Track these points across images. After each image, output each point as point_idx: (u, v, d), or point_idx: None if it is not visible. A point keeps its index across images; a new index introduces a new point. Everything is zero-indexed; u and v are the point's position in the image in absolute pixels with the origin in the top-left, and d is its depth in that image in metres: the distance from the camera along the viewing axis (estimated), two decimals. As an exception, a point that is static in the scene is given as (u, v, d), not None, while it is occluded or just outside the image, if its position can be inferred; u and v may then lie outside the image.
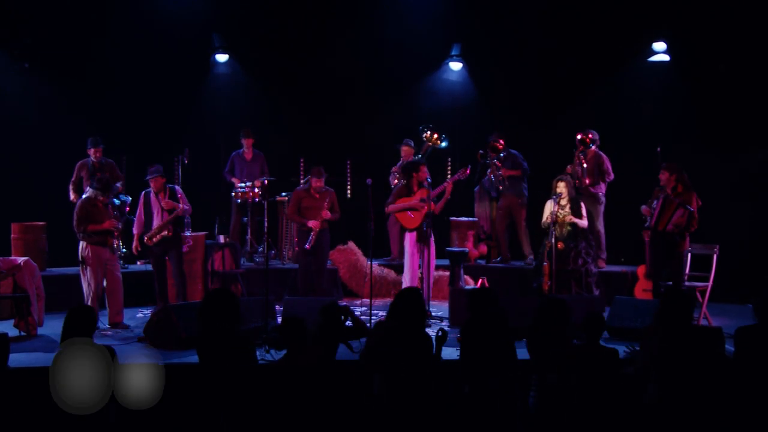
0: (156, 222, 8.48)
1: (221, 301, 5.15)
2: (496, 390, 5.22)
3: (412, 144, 10.52)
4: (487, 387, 5.22)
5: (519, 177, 10.18)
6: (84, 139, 9.91)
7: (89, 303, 7.97)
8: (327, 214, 8.80)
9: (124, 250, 8.70)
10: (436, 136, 10.20)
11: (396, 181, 10.42)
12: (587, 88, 11.12)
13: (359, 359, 5.42)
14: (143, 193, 8.63)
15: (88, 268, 8.03)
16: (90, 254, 8.02)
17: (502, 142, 10.12)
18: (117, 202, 8.38)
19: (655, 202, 8.56)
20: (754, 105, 10.42)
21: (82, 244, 8.08)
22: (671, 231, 8.42)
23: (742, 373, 5.29)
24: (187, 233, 8.91)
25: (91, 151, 9.74)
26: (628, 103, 11.05)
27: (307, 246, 8.77)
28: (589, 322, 5.32)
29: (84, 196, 8.26)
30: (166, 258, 8.60)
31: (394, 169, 10.59)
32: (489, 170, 10.27)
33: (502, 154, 10.13)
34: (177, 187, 8.79)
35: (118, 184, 9.25)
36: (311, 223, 8.80)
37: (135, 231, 8.60)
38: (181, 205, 8.49)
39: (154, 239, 8.46)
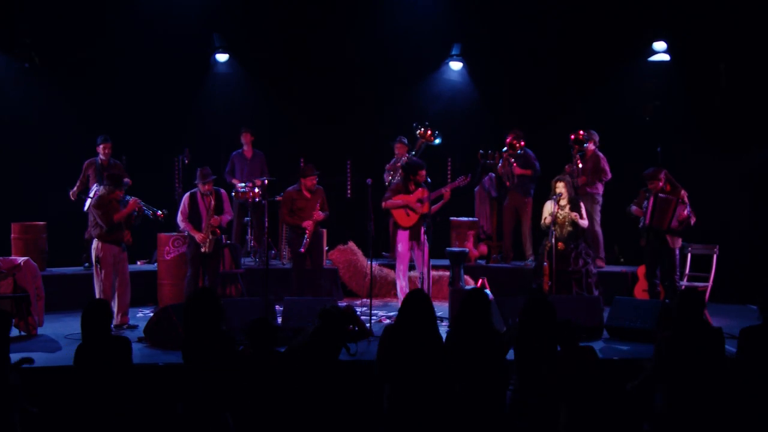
0: (203, 224, 8.52)
1: (203, 302, 5.17)
2: (484, 389, 5.22)
3: (406, 141, 10.53)
4: (476, 386, 5.22)
5: (529, 177, 10.17)
6: (84, 139, 9.93)
7: None
8: (319, 216, 8.83)
9: (160, 211, 8.56)
10: (429, 132, 10.20)
11: (390, 178, 10.44)
12: (587, 88, 11.12)
13: (374, 370, 5.39)
14: (189, 193, 8.67)
15: (103, 269, 8.02)
16: (104, 253, 8.02)
17: (522, 143, 10.06)
18: (126, 198, 8.35)
19: (645, 202, 8.57)
20: (754, 105, 10.42)
21: (96, 244, 8.07)
22: (676, 228, 8.42)
23: (746, 374, 5.28)
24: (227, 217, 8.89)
25: (100, 148, 9.73)
26: (628, 103, 11.04)
27: (301, 249, 8.81)
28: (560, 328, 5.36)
29: (96, 195, 8.24)
30: (202, 260, 8.62)
31: (387, 166, 10.60)
32: (500, 165, 10.22)
33: (519, 152, 10.10)
34: (223, 191, 8.82)
35: (127, 180, 9.23)
36: (305, 224, 8.82)
37: (184, 226, 8.57)
38: (226, 217, 8.69)
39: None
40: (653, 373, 5.20)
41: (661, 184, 8.49)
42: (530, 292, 8.88)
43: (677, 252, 8.56)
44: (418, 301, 5.33)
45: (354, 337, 5.99)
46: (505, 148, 10.10)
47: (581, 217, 8.81)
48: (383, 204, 8.85)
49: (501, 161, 10.19)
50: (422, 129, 10.22)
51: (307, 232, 8.82)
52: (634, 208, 8.77)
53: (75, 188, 9.76)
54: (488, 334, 5.36)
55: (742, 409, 5.20)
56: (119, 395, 5.00)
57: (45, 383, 6.14)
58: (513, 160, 10.07)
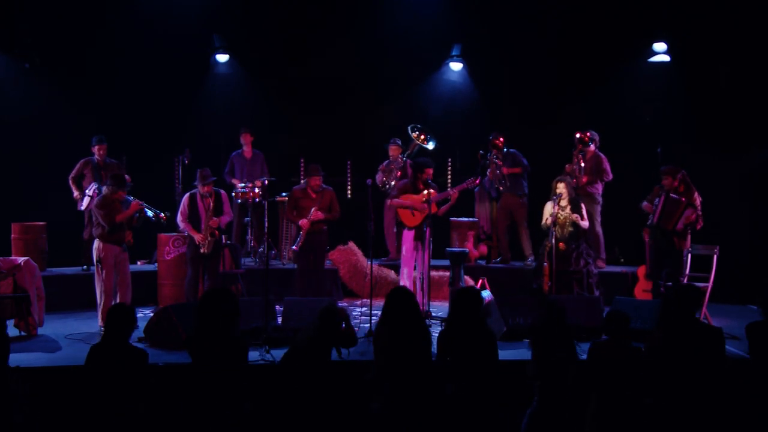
0: (202, 225, 8.52)
1: (219, 301, 5.14)
2: (478, 389, 5.22)
3: (400, 143, 10.54)
4: (469, 386, 5.22)
5: (519, 174, 10.18)
6: (84, 139, 9.93)
7: (101, 303, 7.97)
8: (318, 215, 8.79)
9: (162, 214, 8.56)
10: (423, 136, 10.20)
11: (383, 178, 10.44)
12: (587, 88, 11.12)
13: (371, 371, 5.39)
14: (189, 193, 8.67)
15: (104, 269, 8.01)
16: (105, 254, 8.01)
17: (502, 139, 10.13)
18: (128, 199, 8.35)
19: (657, 199, 8.57)
20: (754, 105, 10.42)
21: (97, 245, 8.06)
22: (681, 229, 8.43)
23: (755, 369, 5.28)
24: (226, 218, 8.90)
25: (96, 149, 9.75)
26: (628, 103, 11.04)
27: (294, 247, 8.80)
28: (611, 320, 5.34)
29: (100, 194, 8.24)
30: (202, 261, 8.60)
31: (381, 167, 10.61)
32: (489, 169, 10.26)
33: (504, 149, 10.14)
34: (223, 192, 8.81)
35: (129, 182, 9.22)
36: (301, 222, 8.80)
37: (184, 226, 8.57)
38: (225, 218, 8.69)
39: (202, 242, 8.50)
40: (645, 373, 5.21)
41: (675, 183, 8.49)
42: (530, 292, 8.96)
43: (684, 253, 8.56)
44: (399, 298, 5.35)
45: (344, 342, 5.97)
46: (484, 153, 10.15)
47: (582, 218, 8.80)
48: (389, 202, 8.84)
49: (489, 168, 10.20)
50: (417, 132, 10.23)
51: (303, 230, 8.80)
52: (645, 204, 8.77)
53: (76, 192, 9.75)
54: (481, 333, 5.36)
55: (749, 405, 5.20)
56: (123, 403, 4.96)
57: (45, 383, 6.14)
58: (500, 161, 10.10)
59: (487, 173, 10.29)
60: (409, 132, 10.20)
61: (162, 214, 8.39)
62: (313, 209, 8.75)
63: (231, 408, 4.95)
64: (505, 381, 5.49)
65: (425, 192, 8.46)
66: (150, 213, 8.33)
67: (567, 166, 9.79)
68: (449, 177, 11.35)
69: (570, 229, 8.76)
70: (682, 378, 5.12)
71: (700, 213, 8.49)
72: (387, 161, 10.60)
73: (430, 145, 10.15)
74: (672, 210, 8.43)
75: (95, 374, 5.00)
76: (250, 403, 5.16)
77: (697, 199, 8.58)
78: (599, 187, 9.96)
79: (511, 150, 10.22)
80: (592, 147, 9.87)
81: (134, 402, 4.97)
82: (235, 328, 5.15)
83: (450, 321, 5.55)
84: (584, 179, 9.70)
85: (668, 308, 5.34)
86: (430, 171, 8.65)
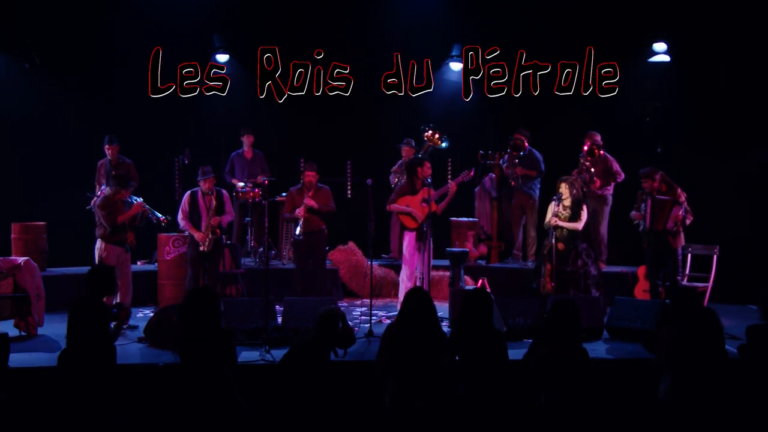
0: (203, 223, 8.51)
1: (201, 301, 5.15)
2: (488, 390, 5.23)
3: (413, 143, 10.53)
4: (480, 387, 5.23)
5: (533, 177, 10.18)
6: (84, 139, 9.92)
7: None
8: (311, 202, 8.76)
9: (163, 217, 8.58)
10: (437, 136, 10.20)
11: (396, 180, 10.43)
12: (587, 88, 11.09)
13: (374, 368, 5.40)
14: (190, 192, 8.66)
15: None
16: (107, 254, 8.01)
17: (527, 144, 10.11)
18: (132, 200, 8.35)
19: (643, 205, 8.60)
20: (754, 105, 10.42)
21: (99, 245, 8.06)
22: (671, 228, 8.45)
23: (754, 371, 5.29)
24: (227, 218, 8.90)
25: (106, 148, 9.72)
26: (628, 103, 11.03)
27: (297, 233, 8.77)
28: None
29: (102, 195, 8.25)
30: (202, 260, 8.58)
31: (394, 168, 10.60)
32: (505, 166, 10.23)
33: (521, 153, 10.13)
34: (224, 192, 8.80)
35: (132, 183, 9.22)
36: (297, 212, 8.78)
37: (184, 224, 8.57)
38: (227, 217, 8.69)
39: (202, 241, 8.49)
40: (663, 365, 5.22)
41: (656, 184, 8.53)
42: (530, 292, 8.95)
43: (680, 251, 8.57)
44: (418, 299, 5.36)
45: (342, 342, 5.98)
46: (484, 153, 10.15)
47: (576, 220, 8.72)
48: (388, 206, 8.82)
49: (505, 161, 10.20)
50: (429, 131, 10.22)
51: (301, 219, 8.78)
52: (634, 213, 8.80)
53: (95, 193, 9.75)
54: (490, 334, 5.38)
55: (747, 406, 5.20)
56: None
57: (45, 383, 6.13)
58: (517, 161, 10.09)
59: (504, 168, 10.26)
60: (422, 132, 10.19)
61: (162, 218, 8.39)
62: (305, 198, 8.73)
63: (223, 406, 4.94)
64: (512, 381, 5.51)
65: (422, 192, 8.45)
66: (151, 215, 8.34)
67: (574, 171, 9.79)
68: (449, 177, 11.32)
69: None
70: (684, 378, 5.14)
71: (687, 208, 8.52)
72: (400, 162, 10.58)
73: (444, 145, 10.15)
74: (659, 211, 8.47)
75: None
76: (246, 403, 5.16)
77: (682, 195, 8.61)
78: (610, 188, 10.00)
79: (534, 151, 10.21)
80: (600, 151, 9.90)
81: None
82: (218, 325, 5.15)
83: (459, 322, 5.56)
84: (597, 183, 9.73)
85: (668, 313, 5.37)
86: (428, 165, 8.62)
